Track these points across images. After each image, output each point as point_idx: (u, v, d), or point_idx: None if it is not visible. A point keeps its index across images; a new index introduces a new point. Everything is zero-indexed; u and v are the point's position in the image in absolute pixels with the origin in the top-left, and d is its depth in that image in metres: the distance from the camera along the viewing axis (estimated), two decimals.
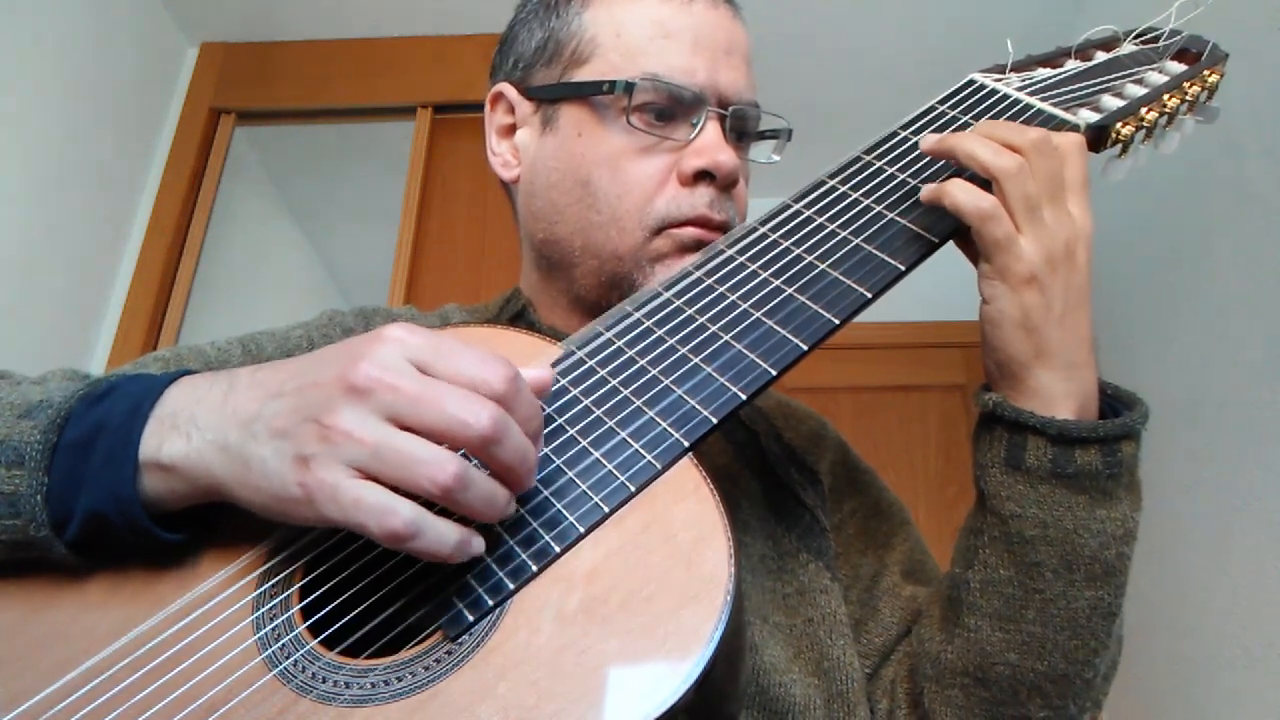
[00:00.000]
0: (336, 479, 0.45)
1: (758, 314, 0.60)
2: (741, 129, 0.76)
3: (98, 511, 0.48)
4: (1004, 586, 0.61)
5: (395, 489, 0.45)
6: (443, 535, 0.46)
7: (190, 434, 0.49)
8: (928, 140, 0.65)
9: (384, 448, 0.45)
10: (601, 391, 0.57)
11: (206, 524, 0.51)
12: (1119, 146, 0.69)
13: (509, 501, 0.48)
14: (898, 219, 0.64)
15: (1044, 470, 0.59)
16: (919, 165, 0.66)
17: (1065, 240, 0.59)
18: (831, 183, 0.67)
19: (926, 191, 0.63)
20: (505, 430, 0.46)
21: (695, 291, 0.62)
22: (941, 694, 0.64)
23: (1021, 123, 0.67)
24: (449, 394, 0.46)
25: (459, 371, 0.47)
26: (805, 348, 0.58)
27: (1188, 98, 0.71)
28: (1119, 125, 0.68)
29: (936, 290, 1.81)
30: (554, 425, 0.55)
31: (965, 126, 0.69)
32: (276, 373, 0.50)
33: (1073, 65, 0.75)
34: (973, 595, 0.63)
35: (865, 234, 0.63)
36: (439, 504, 0.46)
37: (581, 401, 0.56)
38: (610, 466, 0.52)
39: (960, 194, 0.60)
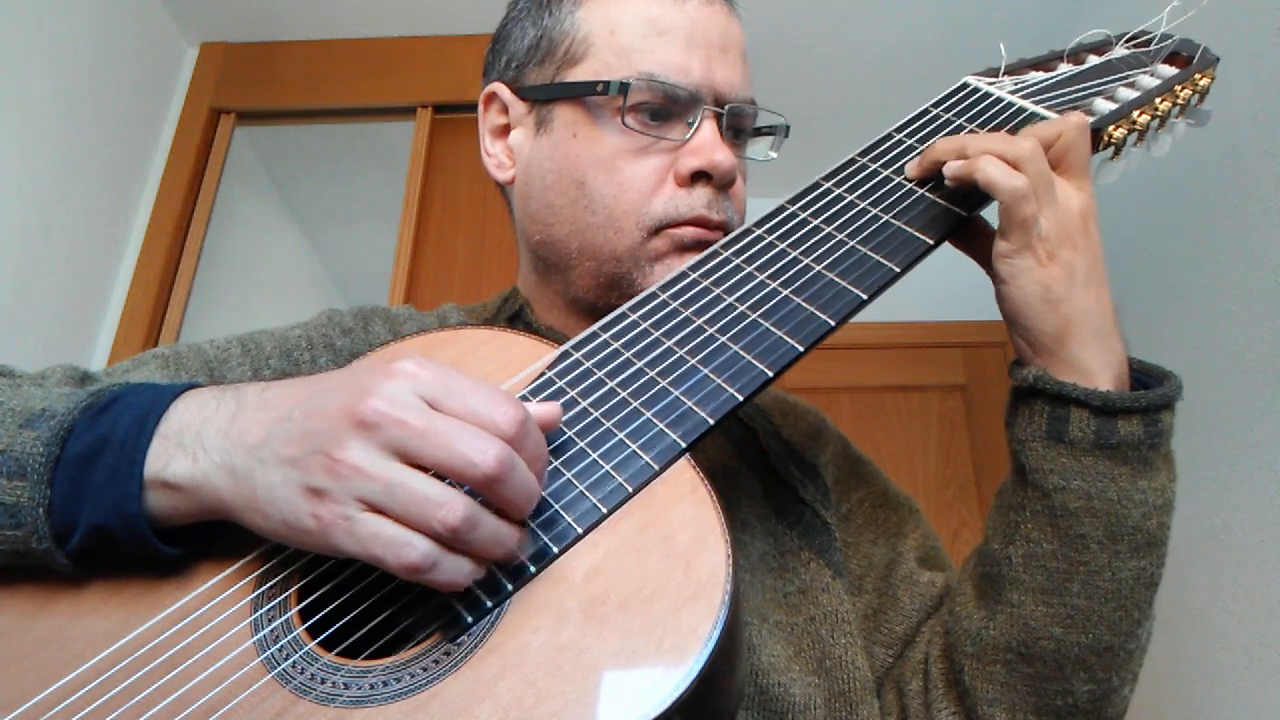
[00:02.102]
0: (351, 513, 0.45)
1: (754, 315, 0.60)
2: (738, 126, 0.76)
3: (102, 527, 0.49)
4: (1048, 560, 0.61)
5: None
6: (458, 566, 0.46)
7: (196, 454, 0.49)
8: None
9: (395, 486, 0.45)
10: (599, 393, 0.57)
11: (208, 539, 0.52)
12: (1111, 149, 0.69)
13: (520, 543, 0.48)
14: (893, 221, 0.64)
15: (1087, 442, 0.60)
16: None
17: (1079, 213, 0.60)
18: (827, 185, 0.68)
19: (954, 168, 0.62)
20: (510, 469, 0.46)
21: (692, 293, 0.62)
22: (983, 671, 0.64)
23: (1013, 126, 0.68)
24: (456, 431, 0.46)
25: (468, 409, 0.47)
26: (801, 349, 0.58)
27: (1179, 101, 0.71)
28: (1111, 128, 0.68)
29: (936, 290, 1.81)
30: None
31: (959, 129, 0.69)
32: (285, 396, 0.50)
33: (1065, 69, 0.75)
34: (1015, 570, 0.63)
35: (860, 236, 0.63)
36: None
37: (579, 403, 0.56)
38: (608, 467, 0.53)
39: (994, 170, 0.60)
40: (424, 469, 0.46)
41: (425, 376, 0.48)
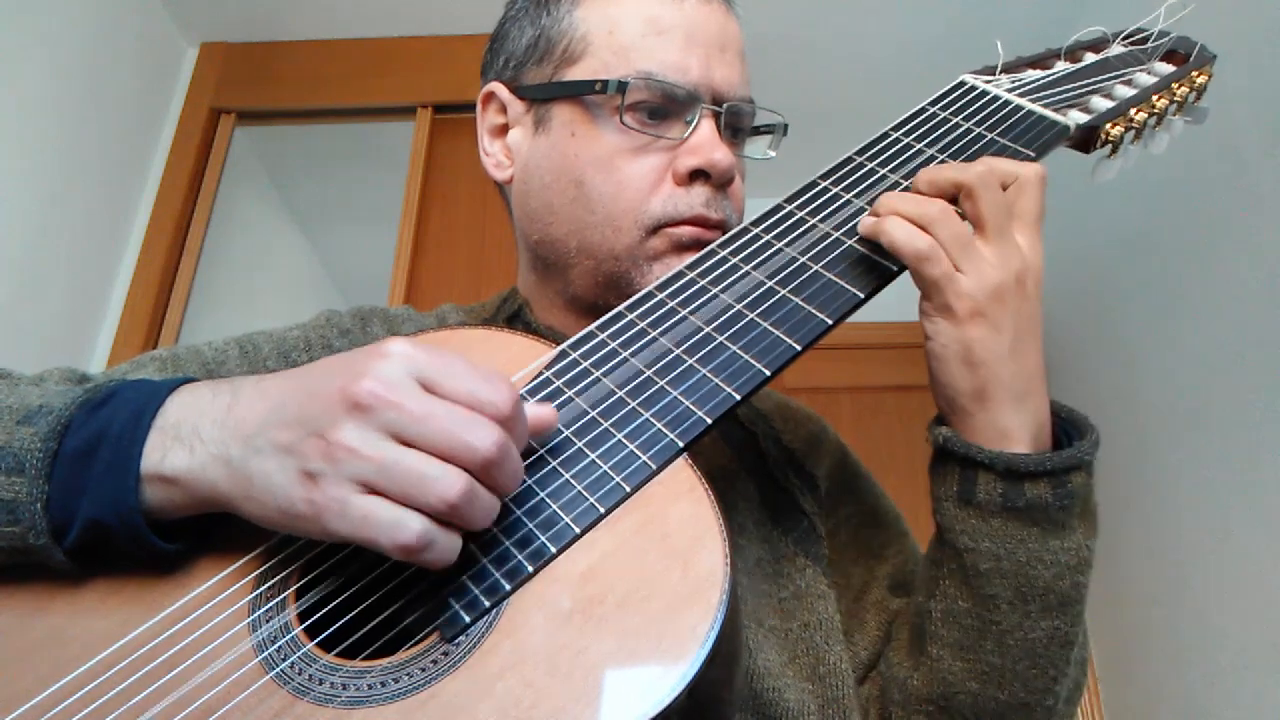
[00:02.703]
0: (344, 495, 0.45)
1: (751, 315, 0.60)
2: (736, 125, 0.76)
3: (99, 521, 0.48)
4: (962, 618, 0.62)
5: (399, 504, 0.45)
6: (452, 546, 0.46)
7: (193, 446, 0.49)
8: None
9: (391, 464, 0.45)
10: (596, 393, 0.57)
11: (205, 533, 0.52)
12: (1109, 147, 0.69)
13: (497, 509, 0.49)
14: None
15: (995, 504, 0.60)
16: (910, 166, 0.67)
17: (1015, 272, 0.58)
18: (824, 184, 0.68)
19: (864, 226, 0.62)
20: (507, 453, 0.47)
21: (689, 292, 0.62)
22: (908, 719, 0.65)
23: (1011, 124, 0.68)
24: (453, 414, 0.46)
25: (463, 390, 0.47)
26: (799, 348, 0.58)
27: (1176, 98, 0.71)
28: (1108, 126, 0.68)
29: None
30: None
31: (955, 127, 0.69)
32: (279, 385, 0.50)
33: (1062, 67, 0.75)
34: (935, 625, 0.63)
35: (858, 235, 0.63)
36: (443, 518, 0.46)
37: (576, 403, 0.56)
38: (606, 467, 0.53)
39: (897, 232, 0.59)
40: (420, 451, 0.46)
41: (418, 357, 0.48)
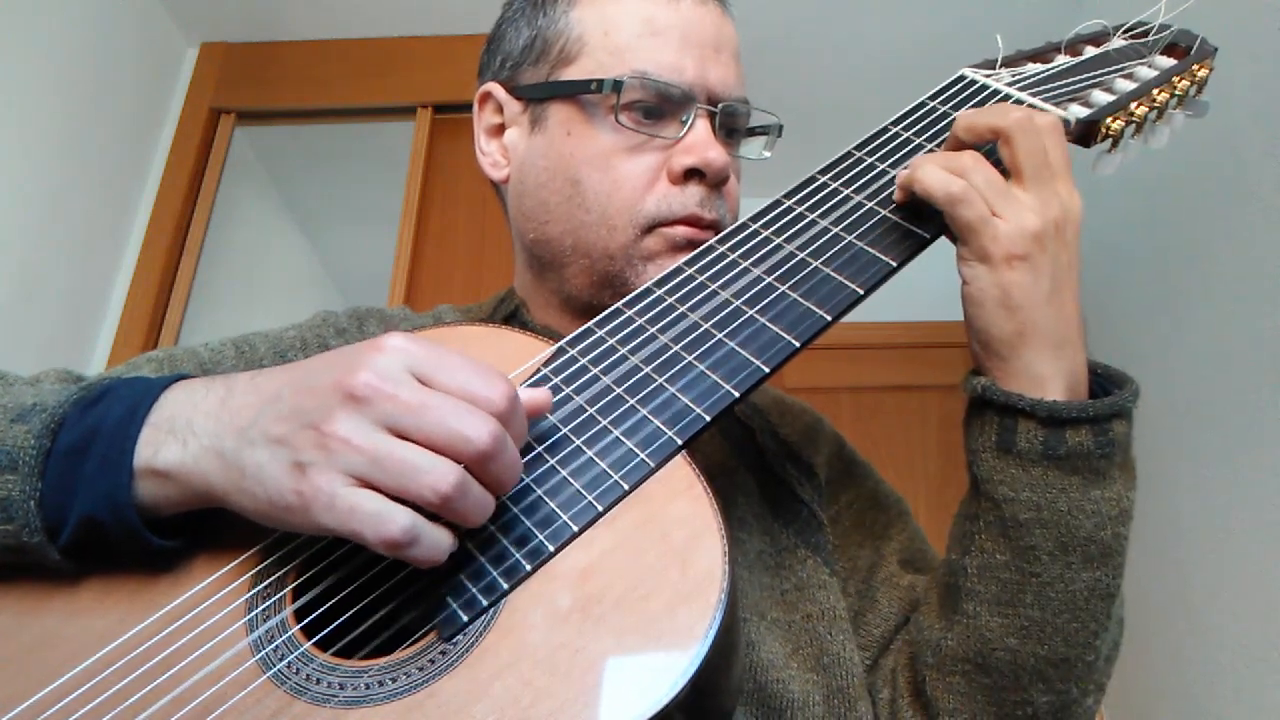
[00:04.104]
0: (333, 487, 0.45)
1: (751, 311, 0.60)
2: (731, 126, 0.76)
3: (93, 518, 0.48)
4: (1001, 571, 0.61)
5: (392, 497, 0.45)
6: (439, 542, 0.46)
7: (186, 440, 0.49)
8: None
9: (383, 456, 0.45)
10: (594, 390, 0.57)
11: (200, 530, 0.51)
12: (1109, 141, 0.69)
13: (492, 506, 0.49)
14: (890, 215, 0.64)
15: (1035, 453, 0.59)
16: (909, 162, 0.66)
17: (1055, 218, 0.59)
18: (823, 179, 0.67)
19: (900, 177, 0.63)
20: (502, 446, 0.46)
21: (688, 289, 0.62)
22: (943, 681, 0.64)
23: None
24: (449, 406, 0.46)
25: (459, 384, 0.47)
26: (797, 345, 0.58)
27: (1177, 92, 0.71)
28: (1109, 120, 0.68)
29: (936, 290, 1.80)
30: (547, 424, 0.55)
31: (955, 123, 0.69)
32: (274, 379, 0.50)
33: (1062, 60, 0.75)
34: (970, 581, 0.62)
35: (857, 230, 0.63)
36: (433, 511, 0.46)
37: (575, 400, 0.56)
38: (603, 465, 0.52)
39: (930, 178, 0.60)
40: (415, 444, 0.46)
41: (415, 351, 0.48)
